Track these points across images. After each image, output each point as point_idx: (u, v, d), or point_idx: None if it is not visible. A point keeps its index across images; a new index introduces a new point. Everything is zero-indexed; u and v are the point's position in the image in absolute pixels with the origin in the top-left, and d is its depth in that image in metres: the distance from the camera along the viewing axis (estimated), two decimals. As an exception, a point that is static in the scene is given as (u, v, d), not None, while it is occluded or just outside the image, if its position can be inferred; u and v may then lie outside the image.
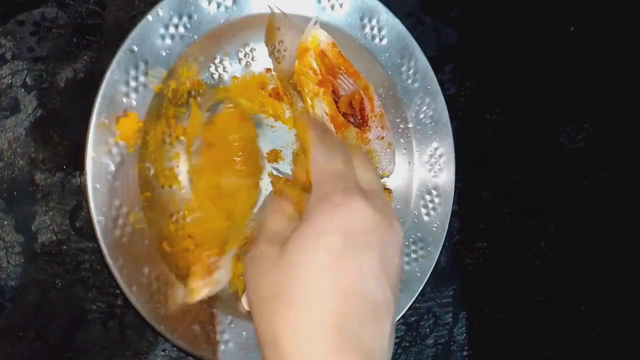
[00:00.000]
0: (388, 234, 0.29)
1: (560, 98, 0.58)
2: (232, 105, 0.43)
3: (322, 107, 0.43)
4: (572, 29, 0.58)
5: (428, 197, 0.49)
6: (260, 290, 0.29)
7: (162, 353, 0.43)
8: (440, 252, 0.49)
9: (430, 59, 0.49)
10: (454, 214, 0.50)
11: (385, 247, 0.29)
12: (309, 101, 0.44)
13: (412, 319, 0.52)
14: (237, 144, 0.42)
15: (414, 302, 0.48)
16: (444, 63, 0.54)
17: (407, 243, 0.48)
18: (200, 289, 0.38)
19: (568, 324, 0.59)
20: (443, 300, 0.53)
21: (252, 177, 0.44)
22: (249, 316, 0.42)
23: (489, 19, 0.56)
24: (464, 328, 0.54)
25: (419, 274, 0.48)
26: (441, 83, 0.49)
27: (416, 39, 0.48)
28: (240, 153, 0.42)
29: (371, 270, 0.28)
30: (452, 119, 0.50)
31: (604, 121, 0.59)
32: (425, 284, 0.48)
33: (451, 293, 0.54)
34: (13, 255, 0.40)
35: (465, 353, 0.55)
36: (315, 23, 0.43)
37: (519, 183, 0.57)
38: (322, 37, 0.43)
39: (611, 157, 0.60)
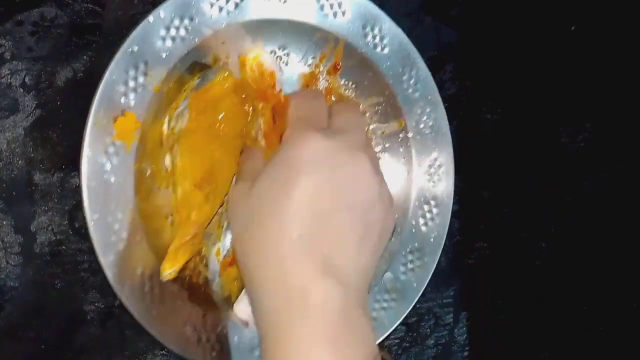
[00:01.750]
0: (344, 163, 0.32)
1: (561, 98, 0.58)
2: (227, 73, 0.42)
3: (258, 123, 0.43)
4: (573, 28, 0.58)
5: (426, 207, 0.49)
6: (236, 219, 0.34)
7: (161, 352, 0.43)
8: (441, 253, 0.49)
9: (430, 59, 0.48)
10: (454, 214, 0.50)
11: (339, 173, 0.32)
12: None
13: (413, 319, 0.52)
14: (223, 114, 0.41)
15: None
16: (444, 63, 0.53)
17: (403, 253, 0.48)
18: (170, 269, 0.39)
19: (568, 324, 0.59)
20: (444, 301, 0.53)
21: (233, 155, 0.43)
22: (242, 323, 0.42)
23: (490, 19, 0.56)
24: (464, 328, 0.54)
25: (415, 285, 0.47)
26: (441, 83, 0.49)
27: (416, 38, 0.48)
28: (225, 127, 0.41)
29: (323, 191, 0.31)
30: (452, 119, 0.49)
31: (605, 121, 0.59)
32: (427, 282, 0.48)
33: (452, 293, 0.54)
34: (12, 256, 0.40)
35: (466, 354, 0.54)
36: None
37: (519, 183, 0.57)
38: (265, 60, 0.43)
39: (612, 157, 0.60)
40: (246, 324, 0.42)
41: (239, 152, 0.44)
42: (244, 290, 0.43)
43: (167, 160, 0.41)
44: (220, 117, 0.41)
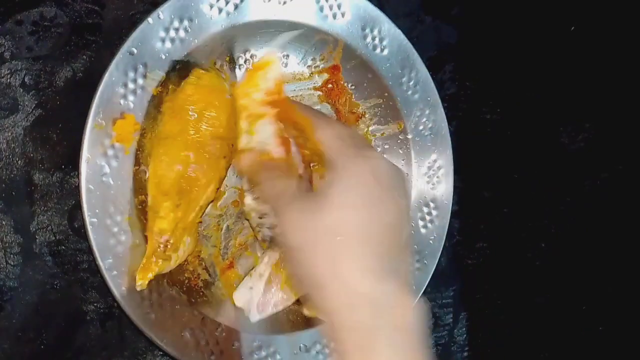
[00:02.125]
0: (403, 179, 0.34)
1: (561, 98, 0.58)
2: (203, 71, 0.39)
3: (268, 130, 0.38)
4: (572, 28, 0.58)
5: (425, 210, 0.49)
6: (300, 237, 0.31)
7: (161, 353, 0.43)
8: (441, 253, 0.49)
9: (430, 59, 0.48)
10: (454, 214, 0.50)
11: (405, 190, 0.33)
12: (247, 126, 0.39)
13: (412, 319, 0.52)
14: (197, 115, 0.38)
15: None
16: (444, 62, 0.53)
17: None
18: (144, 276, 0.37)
19: (568, 324, 0.59)
20: (443, 301, 0.53)
21: (213, 158, 0.39)
22: (236, 323, 0.42)
23: (489, 19, 0.56)
24: (464, 329, 0.54)
25: (414, 287, 0.48)
26: (441, 83, 0.49)
27: (416, 38, 0.48)
28: (201, 130, 0.39)
29: (400, 206, 0.32)
30: (452, 119, 0.49)
31: (604, 121, 0.59)
32: (426, 284, 0.48)
33: (451, 294, 0.54)
34: (12, 256, 0.40)
35: (465, 354, 0.54)
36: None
37: (519, 183, 0.57)
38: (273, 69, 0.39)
39: (612, 157, 0.60)
40: (244, 311, 0.42)
41: (221, 156, 0.40)
42: (244, 280, 0.43)
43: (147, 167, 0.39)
44: (193, 118, 0.39)
